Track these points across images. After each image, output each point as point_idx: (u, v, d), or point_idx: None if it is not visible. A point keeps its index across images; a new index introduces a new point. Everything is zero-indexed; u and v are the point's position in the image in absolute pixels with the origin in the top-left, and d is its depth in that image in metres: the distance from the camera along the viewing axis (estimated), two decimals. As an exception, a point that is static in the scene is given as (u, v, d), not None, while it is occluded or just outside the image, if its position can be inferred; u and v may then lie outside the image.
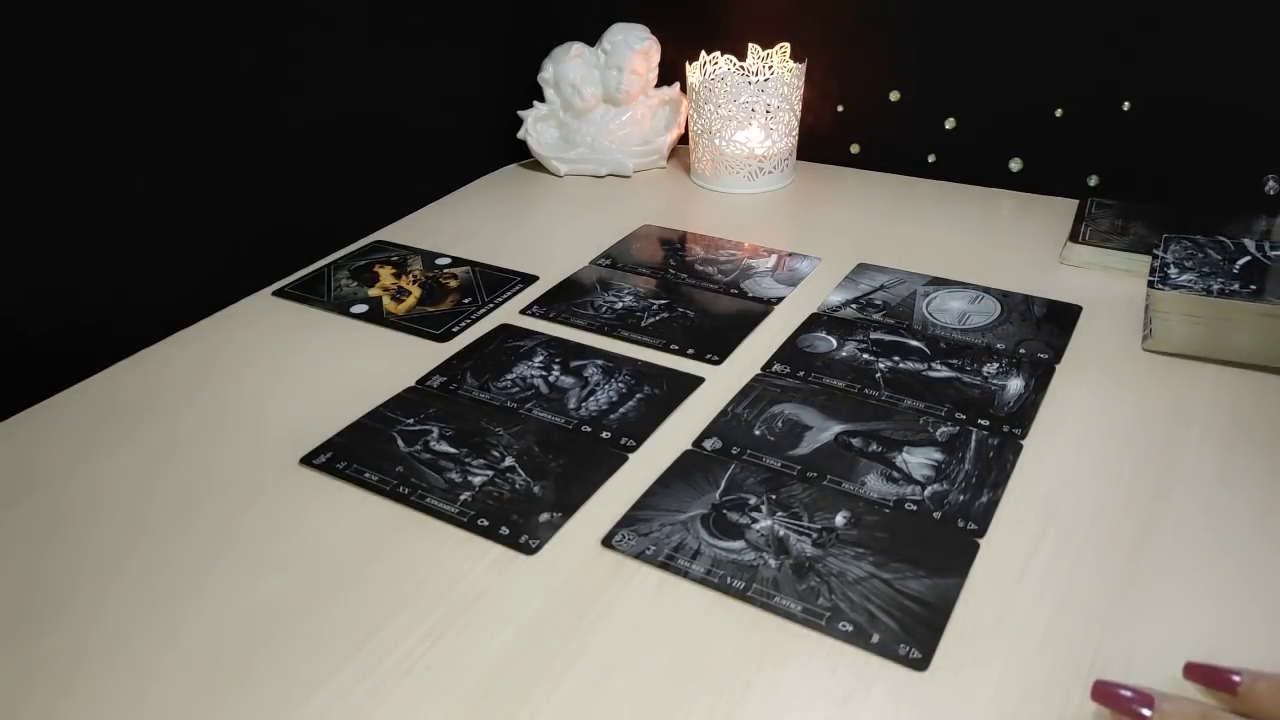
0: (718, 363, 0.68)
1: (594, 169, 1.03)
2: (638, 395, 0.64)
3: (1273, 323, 0.63)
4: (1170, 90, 0.86)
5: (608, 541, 0.51)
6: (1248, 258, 0.68)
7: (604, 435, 0.60)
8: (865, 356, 0.67)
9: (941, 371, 0.65)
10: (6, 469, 0.59)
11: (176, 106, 0.73)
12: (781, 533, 0.51)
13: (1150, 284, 0.67)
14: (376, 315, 0.76)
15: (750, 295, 0.77)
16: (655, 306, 0.76)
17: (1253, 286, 0.65)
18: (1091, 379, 0.64)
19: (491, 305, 0.77)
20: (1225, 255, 0.69)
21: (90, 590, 0.50)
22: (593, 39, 1.02)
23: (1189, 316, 0.65)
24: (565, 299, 0.77)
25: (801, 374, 0.66)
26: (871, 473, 0.56)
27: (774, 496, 0.54)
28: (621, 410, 0.63)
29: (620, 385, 0.65)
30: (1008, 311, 0.73)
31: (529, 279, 0.81)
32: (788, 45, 0.96)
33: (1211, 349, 0.65)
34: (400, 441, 0.60)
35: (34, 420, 0.64)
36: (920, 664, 0.44)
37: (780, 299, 0.76)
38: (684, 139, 1.04)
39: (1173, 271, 0.68)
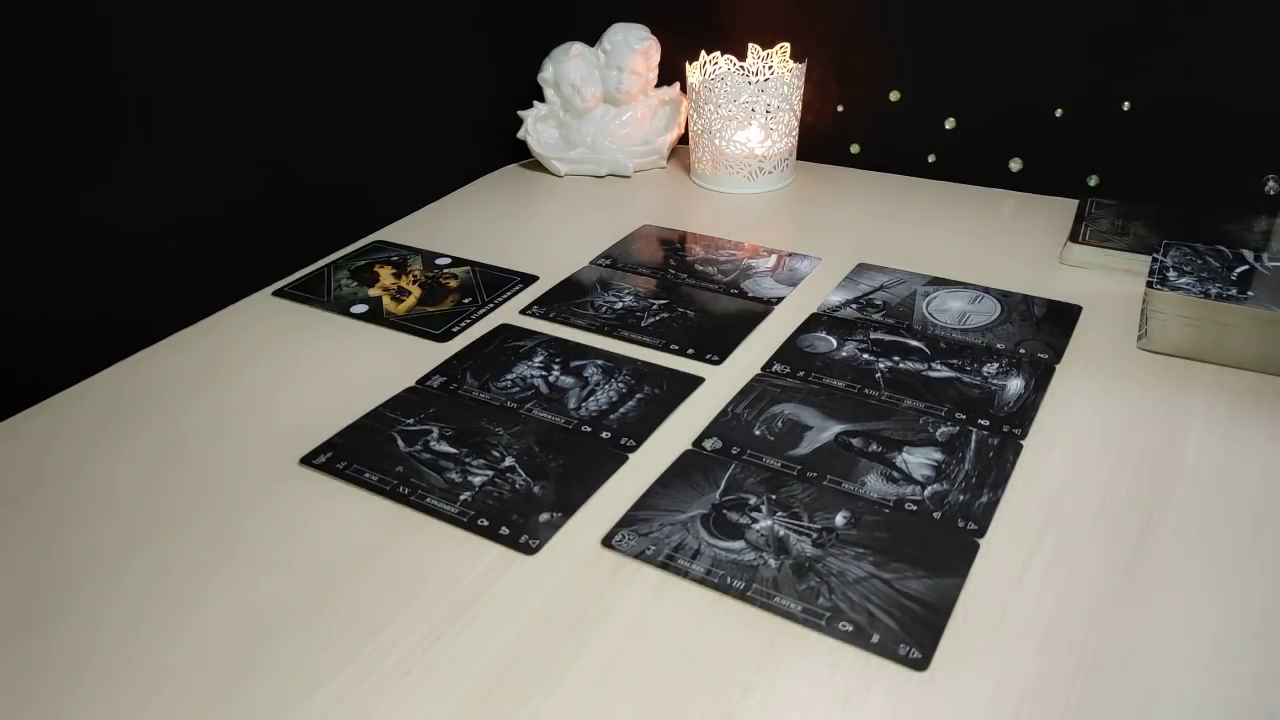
0: (718, 363, 0.68)
1: (594, 169, 1.03)
2: (638, 395, 0.64)
3: (1266, 328, 0.63)
4: (1170, 90, 0.86)
5: (608, 541, 0.51)
6: (1245, 267, 0.69)
7: (604, 435, 0.60)
8: (865, 356, 0.68)
9: (941, 371, 0.65)
10: (8, 469, 0.59)
11: (175, 107, 0.73)
12: (781, 533, 0.51)
13: (1149, 284, 0.67)
14: (376, 315, 0.76)
15: (750, 295, 0.77)
16: (655, 306, 0.76)
17: (1249, 293, 0.65)
18: (1092, 379, 0.65)
19: (491, 305, 0.77)
20: (1224, 263, 0.69)
21: (92, 590, 0.50)
22: (593, 39, 1.02)
23: (1185, 318, 0.66)
24: (565, 299, 0.77)
25: (801, 374, 0.66)
26: (871, 473, 0.56)
27: (774, 496, 0.54)
28: (621, 410, 0.63)
29: (620, 385, 0.65)
30: (1008, 311, 0.73)
31: (529, 279, 0.81)
32: (788, 45, 0.96)
33: (1205, 352, 0.65)
34: (400, 441, 0.60)
35: (35, 420, 0.64)
36: (920, 664, 0.44)
37: (780, 299, 0.76)
38: (684, 139, 1.04)
39: (1172, 275, 0.68)
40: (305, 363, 0.70)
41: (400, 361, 0.69)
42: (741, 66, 0.95)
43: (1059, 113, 0.91)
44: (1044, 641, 0.45)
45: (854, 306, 0.74)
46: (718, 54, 0.96)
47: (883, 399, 0.63)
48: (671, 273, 0.81)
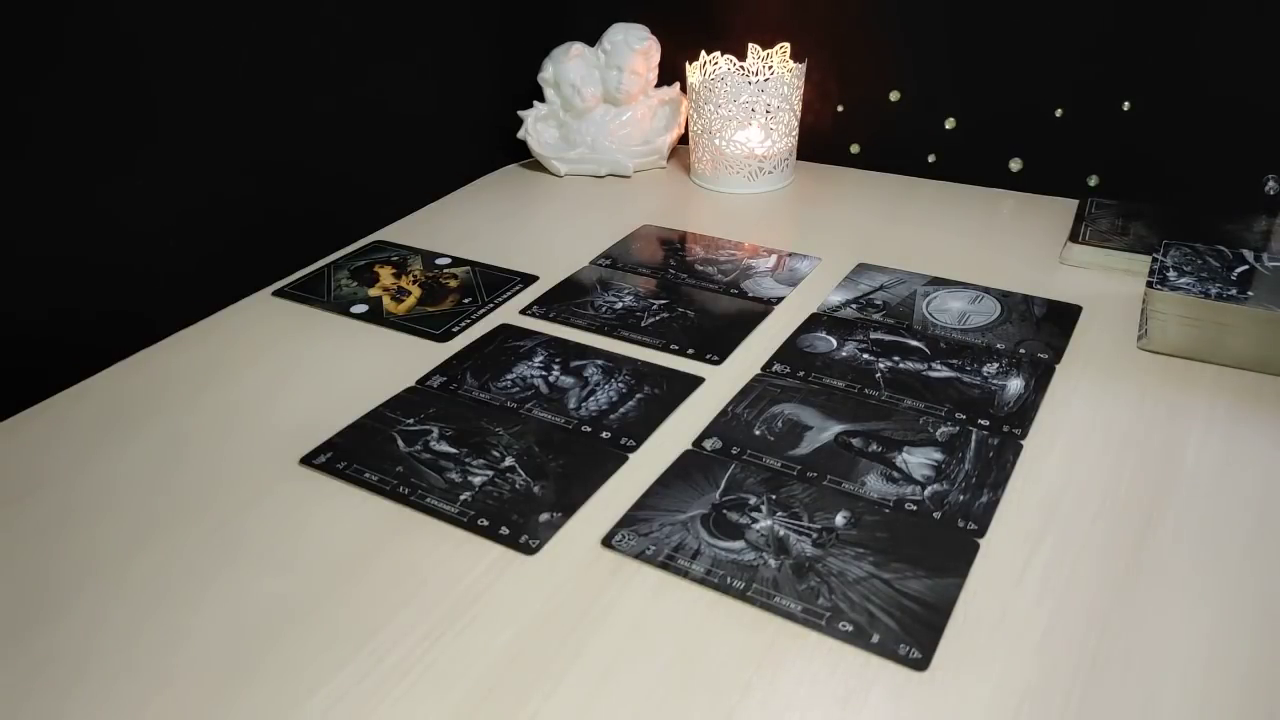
0: (718, 363, 0.68)
1: (594, 169, 1.03)
2: (638, 395, 0.64)
3: (1266, 328, 0.63)
4: (1170, 90, 0.86)
5: (608, 541, 0.51)
6: (1245, 266, 0.69)
7: (604, 435, 0.60)
8: (865, 356, 0.67)
9: (941, 371, 0.65)
10: (8, 468, 0.59)
11: (176, 107, 0.73)
12: (781, 533, 0.51)
13: (1149, 284, 0.67)
14: (376, 315, 0.76)
15: (750, 295, 0.77)
16: (655, 306, 0.76)
17: (1249, 293, 0.65)
18: (1092, 379, 0.65)
19: (491, 305, 0.77)
20: (1224, 263, 0.69)
21: (92, 590, 0.50)
22: (593, 39, 1.02)
23: (1185, 319, 0.66)
24: (565, 299, 0.77)
25: (801, 374, 0.66)
26: (871, 473, 0.56)
27: (774, 496, 0.54)
28: (621, 410, 0.63)
29: (620, 385, 0.65)
30: (1008, 311, 0.73)
31: (529, 279, 0.81)
32: (788, 45, 0.96)
33: (1205, 352, 0.65)
34: (400, 441, 0.60)
35: (34, 420, 0.64)
36: (920, 664, 0.44)
37: (780, 299, 0.76)
38: (684, 139, 1.04)
39: (1172, 274, 0.68)
40: (305, 363, 0.70)
41: (400, 361, 0.69)
42: (741, 66, 0.95)
43: (1059, 113, 0.91)
44: (1044, 641, 0.45)
45: (854, 306, 0.74)
46: (718, 54, 0.96)
47: (883, 399, 0.63)
48: (671, 273, 0.81)
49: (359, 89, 0.88)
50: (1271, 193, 0.84)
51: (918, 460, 0.57)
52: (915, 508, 0.53)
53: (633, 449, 0.59)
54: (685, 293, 0.78)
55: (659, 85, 1.05)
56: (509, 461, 0.58)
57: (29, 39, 0.63)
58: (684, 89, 1.02)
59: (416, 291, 0.80)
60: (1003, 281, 0.77)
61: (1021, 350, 0.68)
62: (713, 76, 0.95)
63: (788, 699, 0.42)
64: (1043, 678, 0.43)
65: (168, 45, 0.71)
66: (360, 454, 0.59)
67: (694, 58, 0.97)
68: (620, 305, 0.76)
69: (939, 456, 0.57)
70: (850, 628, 0.46)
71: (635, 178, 1.03)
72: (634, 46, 1.00)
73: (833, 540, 0.51)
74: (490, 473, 0.57)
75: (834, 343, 0.69)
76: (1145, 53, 0.85)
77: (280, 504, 0.55)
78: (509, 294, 0.79)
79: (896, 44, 0.96)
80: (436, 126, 0.99)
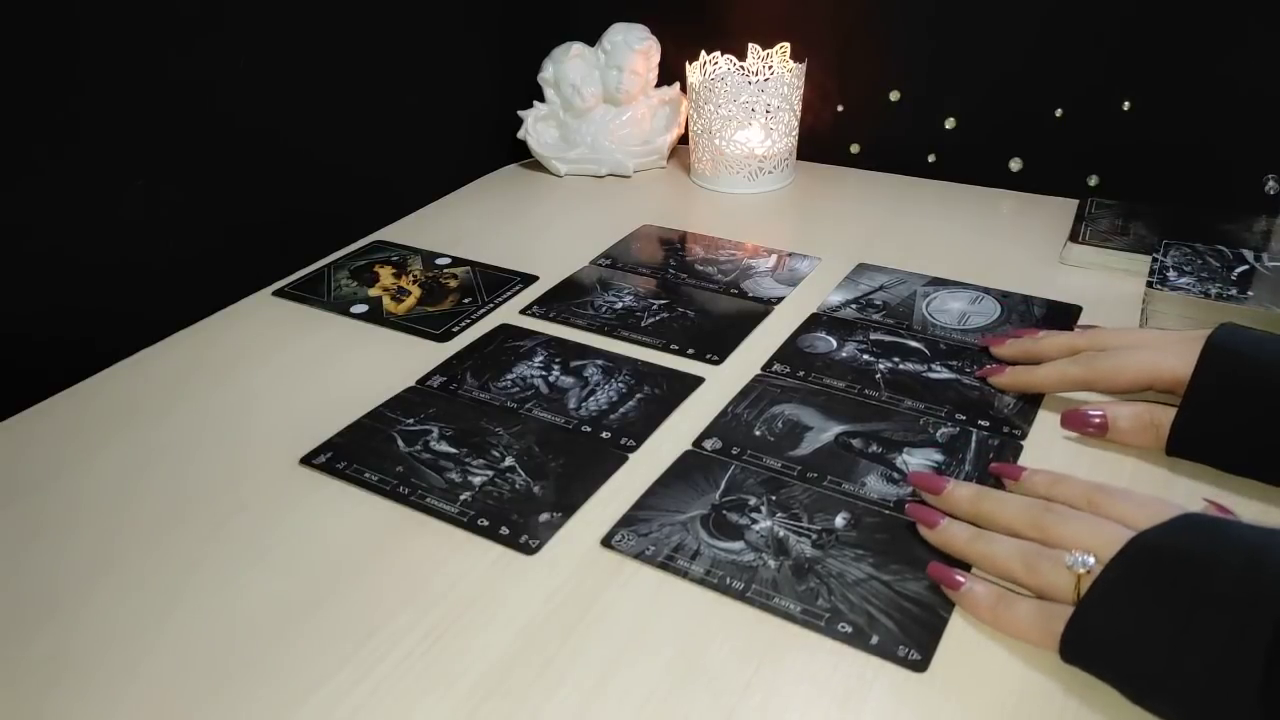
0: (718, 363, 0.68)
1: (594, 169, 1.03)
2: (638, 395, 0.64)
3: (1266, 328, 0.63)
4: (1170, 89, 0.86)
5: (608, 541, 0.51)
6: (1245, 266, 0.69)
7: (604, 435, 0.60)
8: (865, 357, 0.67)
9: (941, 372, 0.65)
10: (7, 468, 0.59)
11: (174, 105, 0.73)
12: (781, 533, 0.51)
13: (1149, 284, 0.67)
14: (376, 315, 0.76)
15: (750, 295, 0.77)
16: (655, 306, 0.76)
17: (1249, 293, 0.65)
18: (1091, 379, 0.64)
19: (491, 305, 0.77)
20: (1224, 263, 0.69)
21: (89, 590, 0.50)
22: (593, 39, 1.02)
23: (1185, 319, 0.65)
24: (565, 299, 0.77)
25: (801, 374, 0.66)
26: (871, 473, 0.56)
27: (774, 497, 0.54)
28: (621, 410, 0.63)
29: (620, 385, 0.65)
30: (1008, 312, 0.73)
31: (529, 279, 0.81)
32: (788, 45, 0.96)
33: None
34: (400, 441, 0.60)
35: (33, 420, 0.64)
36: (920, 665, 0.44)
37: (780, 299, 0.76)
38: (684, 139, 1.04)
39: (1171, 274, 0.68)
40: (305, 363, 0.70)
41: (400, 361, 0.69)
42: (741, 66, 0.95)
43: (1059, 113, 0.91)
44: (1044, 642, 0.45)
45: (854, 307, 0.74)
46: (718, 54, 0.96)
47: (883, 400, 0.63)
48: (671, 273, 0.81)
49: (359, 89, 0.88)
50: (1271, 193, 0.84)
51: (918, 461, 0.57)
52: (915, 508, 0.53)
53: (633, 449, 0.59)
54: (685, 293, 0.78)
55: (659, 85, 1.05)
56: (509, 461, 0.58)
57: (18, 37, 0.63)
58: (684, 89, 1.02)
59: (416, 291, 0.80)
60: (1003, 282, 0.77)
61: (1021, 350, 0.68)
62: (713, 76, 0.95)
63: (787, 700, 0.42)
64: (1042, 678, 0.43)
65: (166, 46, 0.71)
66: (360, 454, 0.59)
67: (694, 58, 0.97)
68: (620, 305, 0.76)
69: (939, 457, 0.57)
70: (850, 629, 0.46)
71: (635, 178, 1.03)
72: (634, 46, 1.00)
73: (832, 541, 0.51)
74: (490, 473, 0.57)
75: (834, 343, 0.69)
76: (1145, 52, 0.85)
77: (280, 504, 0.55)
78: (509, 294, 0.79)
79: (896, 44, 0.96)
80: (437, 126, 0.99)
